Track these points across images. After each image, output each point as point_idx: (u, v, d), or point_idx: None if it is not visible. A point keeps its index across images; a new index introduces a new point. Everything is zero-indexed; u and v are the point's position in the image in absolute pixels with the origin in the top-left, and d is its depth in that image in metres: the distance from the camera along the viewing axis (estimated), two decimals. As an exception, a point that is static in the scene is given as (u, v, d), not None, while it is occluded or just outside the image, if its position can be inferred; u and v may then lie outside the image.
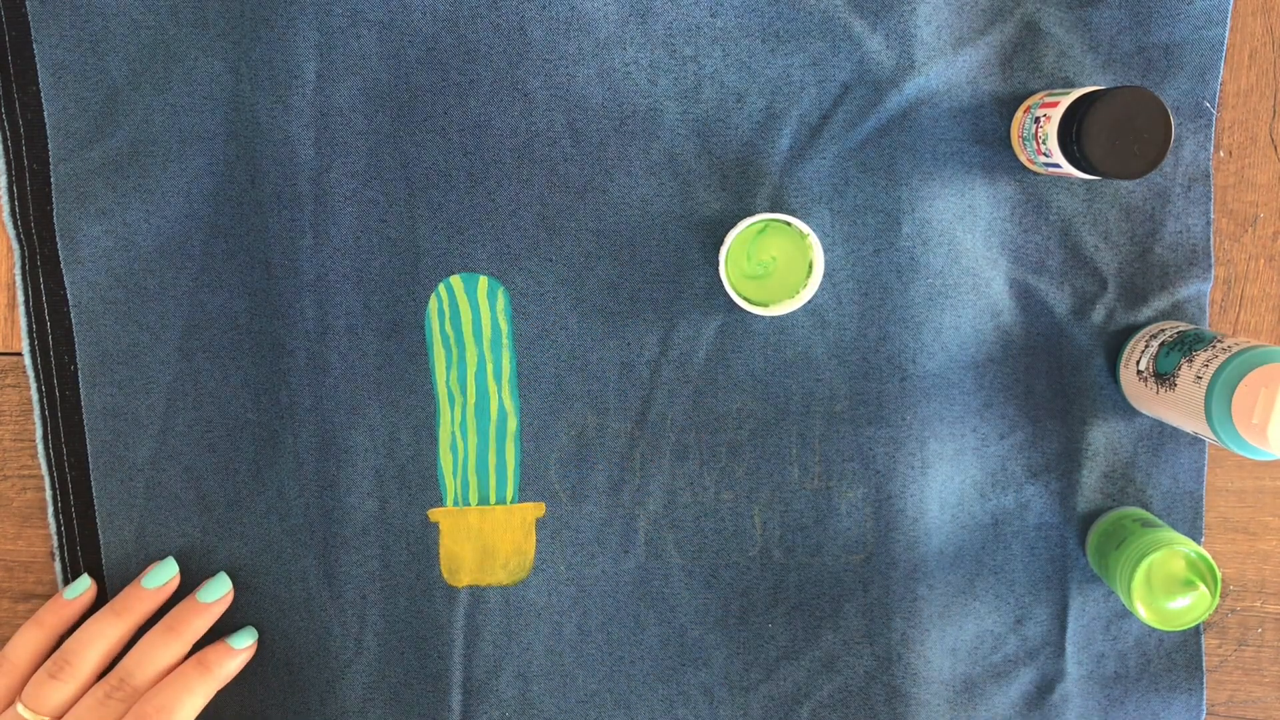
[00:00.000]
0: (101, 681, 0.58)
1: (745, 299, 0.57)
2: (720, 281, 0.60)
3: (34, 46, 0.60)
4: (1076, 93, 0.54)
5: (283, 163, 0.60)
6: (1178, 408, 0.55)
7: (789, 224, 0.57)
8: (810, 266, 0.57)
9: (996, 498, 0.62)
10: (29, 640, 0.60)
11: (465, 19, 0.59)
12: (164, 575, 0.61)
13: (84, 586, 0.61)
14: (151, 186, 0.61)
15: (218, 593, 0.61)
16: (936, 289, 0.60)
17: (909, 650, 0.61)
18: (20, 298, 0.62)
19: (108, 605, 0.60)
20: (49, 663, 0.58)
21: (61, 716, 0.58)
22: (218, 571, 0.62)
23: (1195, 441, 0.61)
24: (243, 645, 0.61)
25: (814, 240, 0.57)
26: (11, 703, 0.59)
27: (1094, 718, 0.63)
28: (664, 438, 0.61)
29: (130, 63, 0.60)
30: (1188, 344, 0.55)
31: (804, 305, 0.60)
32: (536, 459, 0.62)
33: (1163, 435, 0.61)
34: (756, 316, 0.60)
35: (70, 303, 0.61)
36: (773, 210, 0.60)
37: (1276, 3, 0.60)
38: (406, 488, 0.62)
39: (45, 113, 0.61)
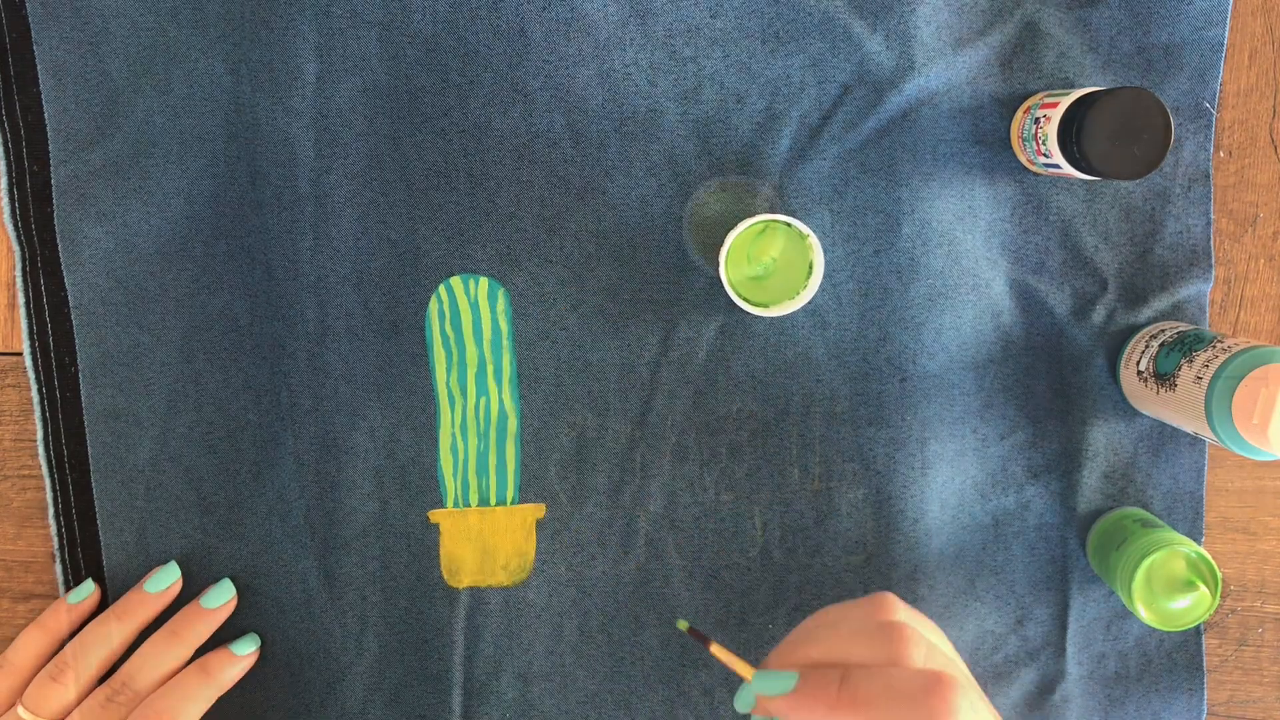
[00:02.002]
0: (103, 685, 0.58)
1: (745, 300, 0.57)
2: (720, 282, 0.60)
3: (34, 48, 0.60)
4: (1076, 93, 0.54)
5: (283, 164, 0.60)
6: (1178, 408, 0.55)
7: (789, 225, 0.57)
8: (810, 267, 0.57)
9: (997, 498, 0.62)
10: (31, 643, 0.60)
11: (465, 20, 0.59)
12: (166, 579, 0.61)
13: (87, 591, 0.61)
14: (152, 188, 0.61)
15: (221, 598, 0.61)
16: (937, 290, 0.60)
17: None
18: (21, 299, 0.62)
19: (109, 609, 0.60)
20: (50, 665, 0.58)
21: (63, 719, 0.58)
22: (220, 575, 0.62)
23: (1195, 441, 0.61)
24: (245, 652, 0.61)
25: (814, 241, 0.57)
26: (13, 705, 0.59)
27: (1095, 718, 0.63)
28: (664, 439, 0.61)
29: (130, 64, 0.60)
30: (1188, 344, 0.55)
31: (804, 306, 0.60)
32: (537, 460, 0.62)
33: (1163, 435, 0.61)
34: (756, 317, 0.60)
35: (71, 304, 0.61)
36: (773, 211, 0.60)
37: (1276, 3, 0.60)
38: (407, 489, 0.62)
39: (46, 114, 0.61)
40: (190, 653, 0.60)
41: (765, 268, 0.58)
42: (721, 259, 0.57)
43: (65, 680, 0.58)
